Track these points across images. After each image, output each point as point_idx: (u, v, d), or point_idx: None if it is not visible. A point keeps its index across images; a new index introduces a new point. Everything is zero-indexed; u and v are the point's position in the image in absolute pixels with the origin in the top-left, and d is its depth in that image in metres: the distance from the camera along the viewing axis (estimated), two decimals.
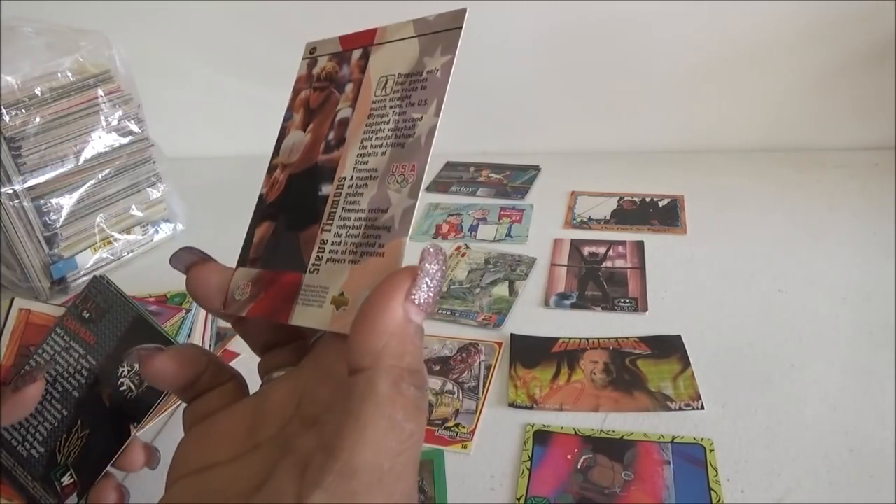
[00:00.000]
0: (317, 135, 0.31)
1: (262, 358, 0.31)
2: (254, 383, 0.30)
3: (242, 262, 0.31)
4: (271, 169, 0.32)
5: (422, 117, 0.26)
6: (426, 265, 0.23)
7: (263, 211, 0.31)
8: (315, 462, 0.21)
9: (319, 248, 0.28)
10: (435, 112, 0.26)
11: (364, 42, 0.30)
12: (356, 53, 0.30)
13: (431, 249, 0.24)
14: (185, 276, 0.30)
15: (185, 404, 0.30)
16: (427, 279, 0.23)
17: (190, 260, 0.30)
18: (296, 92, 0.33)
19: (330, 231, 0.27)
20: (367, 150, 0.28)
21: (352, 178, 0.28)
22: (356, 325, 0.23)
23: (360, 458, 0.21)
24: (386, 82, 0.28)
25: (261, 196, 0.32)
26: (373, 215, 0.26)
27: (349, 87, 0.30)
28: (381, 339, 0.22)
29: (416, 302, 0.23)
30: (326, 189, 0.29)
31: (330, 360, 0.26)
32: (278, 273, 0.29)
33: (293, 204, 0.30)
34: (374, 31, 0.30)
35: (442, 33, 0.26)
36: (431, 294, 0.23)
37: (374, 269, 0.25)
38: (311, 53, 0.33)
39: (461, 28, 0.26)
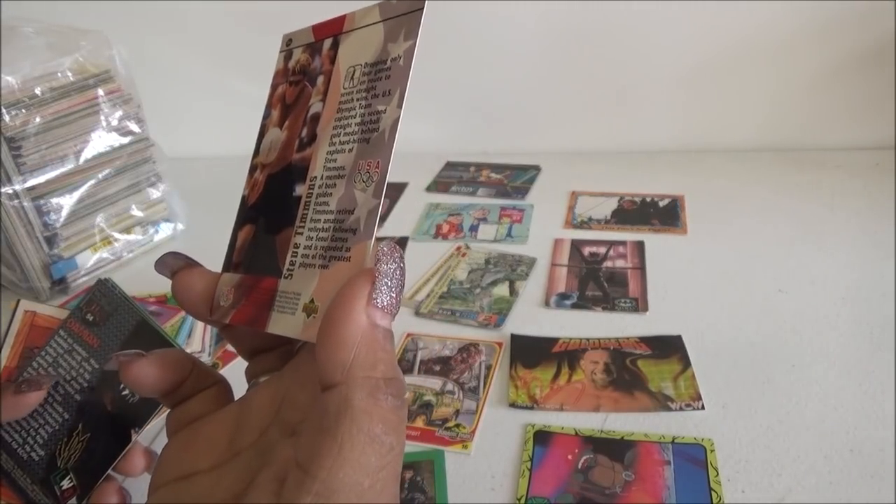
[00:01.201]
0: (291, 132, 0.29)
1: (249, 363, 0.30)
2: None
3: (227, 266, 0.30)
4: (252, 169, 0.31)
5: (385, 110, 0.24)
6: (383, 266, 0.22)
7: (245, 213, 0.30)
8: (292, 480, 0.21)
9: (293, 252, 0.26)
10: (398, 104, 0.24)
11: (334, 30, 0.28)
12: (327, 43, 0.29)
13: (385, 248, 0.23)
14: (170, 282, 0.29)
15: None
16: (386, 280, 0.22)
17: (175, 265, 0.29)
18: (273, 87, 0.31)
19: (302, 234, 0.26)
20: (335, 146, 0.26)
21: (322, 177, 0.26)
22: (321, 337, 0.22)
23: (338, 478, 0.20)
24: (353, 73, 0.26)
25: (243, 198, 0.31)
26: (340, 217, 0.25)
27: (320, 80, 0.28)
28: (348, 350, 0.21)
29: (379, 305, 0.22)
30: (300, 189, 0.27)
31: (311, 366, 0.26)
32: (258, 278, 0.28)
33: (271, 206, 0.29)
34: (343, 18, 0.28)
35: (405, 16, 0.24)
36: (394, 294, 0.22)
37: (341, 275, 0.23)
38: (288, 45, 0.31)
39: (422, 10, 0.24)
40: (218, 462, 0.25)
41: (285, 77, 0.31)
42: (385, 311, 0.22)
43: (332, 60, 0.28)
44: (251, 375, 0.30)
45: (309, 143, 0.28)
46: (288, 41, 0.32)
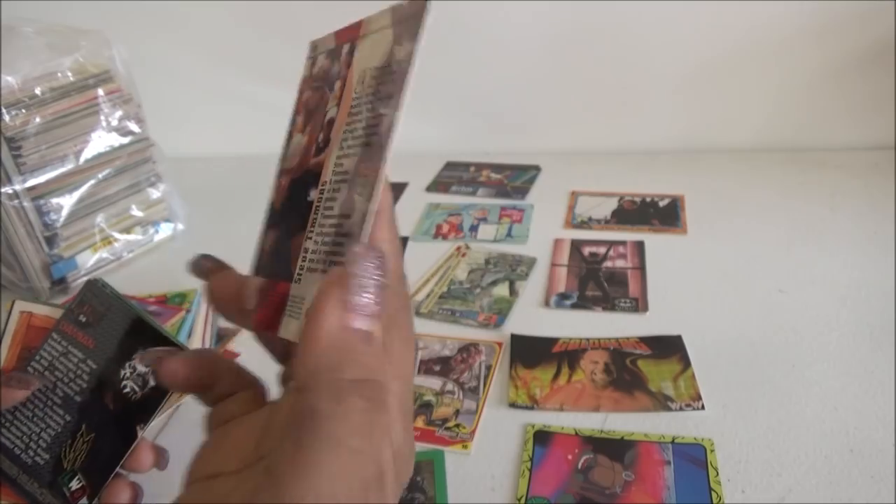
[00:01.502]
0: (311, 137, 0.29)
1: (283, 367, 0.30)
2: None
3: (255, 270, 0.30)
4: (278, 175, 0.31)
5: (386, 113, 0.24)
6: (355, 267, 0.22)
7: (271, 218, 0.30)
8: (259, 485, 0.21)
9: (303, 256, 0.26)
10: (395, 107, 0.24)
11: (353, 35, 0.28)
12: (345, 48, 0.29)
13: (358, 249, 0.22)
14: (201, 281, 0.30)
15: (182, 405, 0.29)
16: (359, 281, 0.22)
17: (209, 267, 0.30)
18: (300, 93, 0.32)
19: (311, 239, 0.26)
20: (343, 151, 0.26)
21: (330, 182, 0.26)
22: (299, 342, 0.22)
23: (304, 486, 0.19)
24: (364, 77, 0.26)
25: (271, 204, 0.31)
26: (341, 221, 0.25)
27: (337, 85, 0.28)
28: (315, 354, 0.21)
29: (351, 307, 0.21)
30: (313, 194, 0.27)
31: None
32: (276, 283, 0.28)
33: (290, 211, 0.29)
34: (360, 22, 0.28)
35: (410, 20, 0.24)
36: (371, 294, 0.22)
37: None
38: (313, 52, 0.32)
39: (424, 12, 0.24)
40: (243, 465, 0.25)
41: (310, 83, 0.31)
42: (359, 312, 0.22)
43: (349, 65, 0.28)
44: (285, 380, 0.30)
45: (324, 148, 0.28)
46: (314, 47, 0.32)
